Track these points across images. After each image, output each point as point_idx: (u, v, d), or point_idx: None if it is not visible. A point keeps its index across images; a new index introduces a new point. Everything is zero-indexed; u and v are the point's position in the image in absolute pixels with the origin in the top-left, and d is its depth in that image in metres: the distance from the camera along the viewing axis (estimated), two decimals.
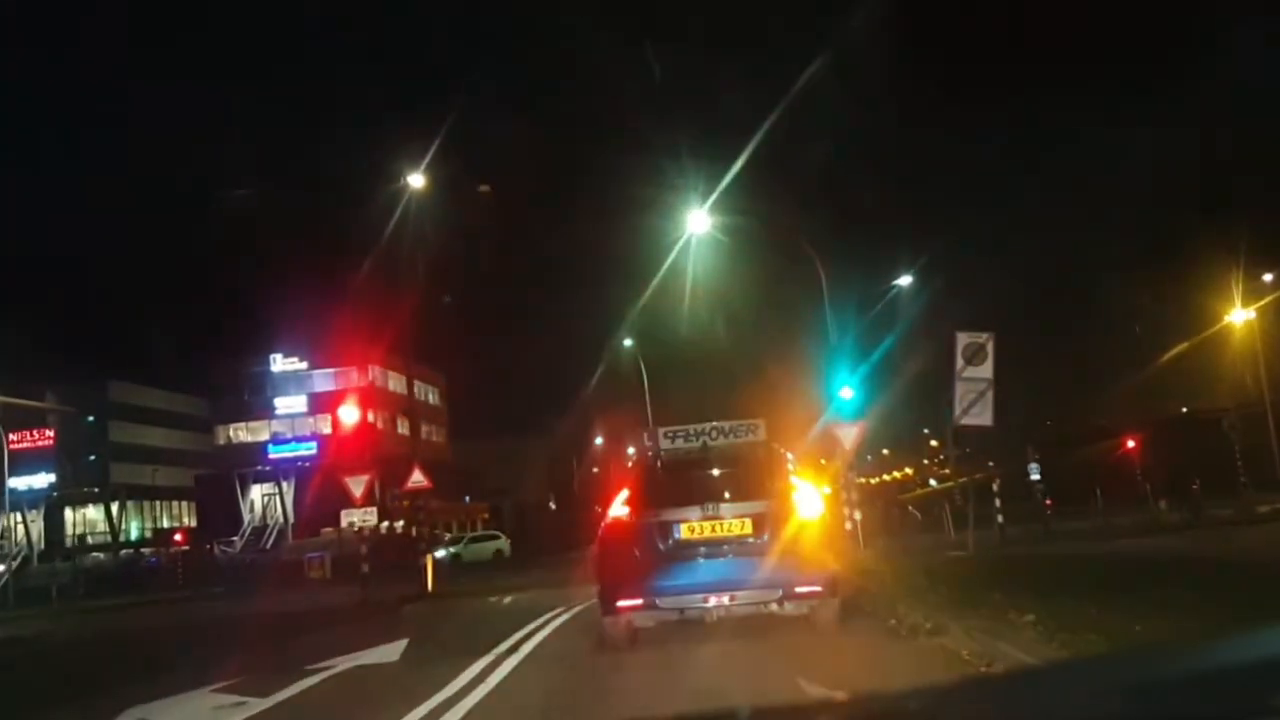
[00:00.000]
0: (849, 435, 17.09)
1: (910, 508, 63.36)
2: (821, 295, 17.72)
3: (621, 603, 7.92)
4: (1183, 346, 41.53)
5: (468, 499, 72.83)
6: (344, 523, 22.32)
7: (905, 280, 25.85)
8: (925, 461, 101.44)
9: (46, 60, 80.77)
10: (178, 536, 55.37)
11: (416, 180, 21.90)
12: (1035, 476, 35.04)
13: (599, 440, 68.76)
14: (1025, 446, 29.03)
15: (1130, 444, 36.85)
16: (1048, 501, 24.85)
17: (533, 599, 14.81)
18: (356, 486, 17.39)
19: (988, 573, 11.15)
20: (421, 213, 21.28)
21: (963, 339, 14.54)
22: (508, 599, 15.44)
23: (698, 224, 18.60)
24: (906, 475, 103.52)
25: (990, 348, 14.53)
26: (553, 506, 74.33)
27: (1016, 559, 13.56)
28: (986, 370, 14.48)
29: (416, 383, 76.92)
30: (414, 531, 21.71)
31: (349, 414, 19.61)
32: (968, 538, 16.52)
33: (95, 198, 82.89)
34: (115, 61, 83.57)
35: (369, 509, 18.10)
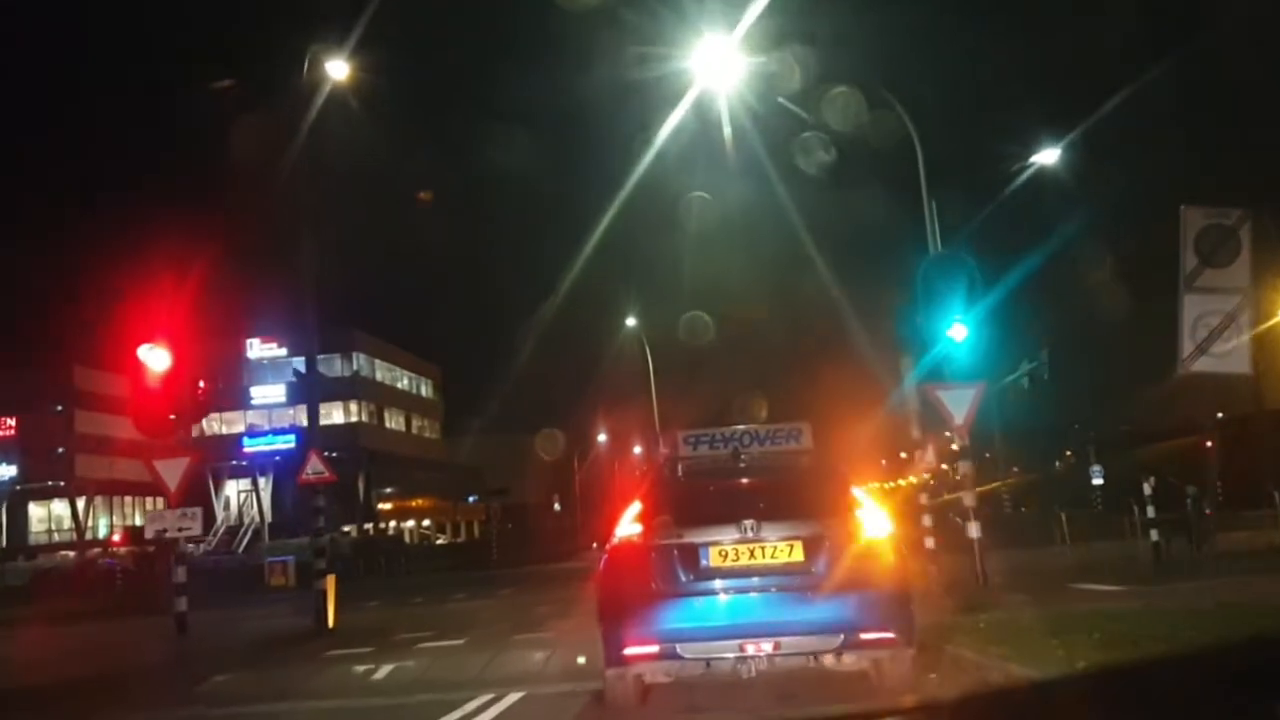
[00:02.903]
0: (961, 401, 10.70)
1: (951, 515, 57.34)
2: (917, 181, 11.17)
3: (630, 650, 6.10)
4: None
5: (472, 499, 68.08)
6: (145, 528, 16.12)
7: (1049, 156, 16.40)
8: (944, 466, 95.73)
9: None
10: (116, 537, 50.39)
11: (339, 69, 16.94)
12: (1098, 481, 34.34)
13: (601, 438, 63.28)
14: (1087, 447, 25.76)
15: (1208, 444, 33.56)
16: (1207, 513, 17.84)
17: (429, 672, 8.80)
18: (171, 474, 11.08)
19: None
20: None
21: (1196, 219, 8.08)
22: (384, 671, 9.02)
23: (720, 68, 12.00)
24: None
25: (1245, 236, 8.11)
26: (557, 508, 69.64)
27: None
28: (1239, 275, 8.07)
29: (408, 374, 72.22)
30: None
31: (157, 359, 11.90)
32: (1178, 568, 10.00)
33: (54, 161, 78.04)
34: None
35: (189, 510, 11.66)
